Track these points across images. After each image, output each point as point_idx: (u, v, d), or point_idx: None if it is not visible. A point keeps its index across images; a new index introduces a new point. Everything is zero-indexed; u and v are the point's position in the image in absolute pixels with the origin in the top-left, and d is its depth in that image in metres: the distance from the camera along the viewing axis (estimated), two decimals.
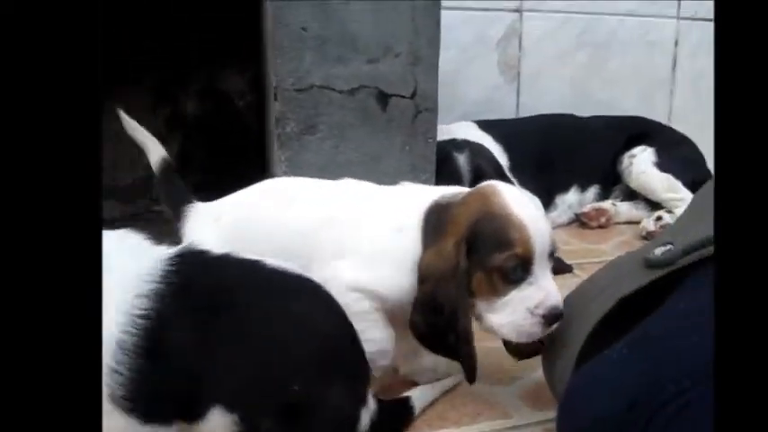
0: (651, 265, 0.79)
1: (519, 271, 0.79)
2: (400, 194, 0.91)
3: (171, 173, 1.07)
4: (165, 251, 0.74)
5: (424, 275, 0.81)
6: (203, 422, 0.67)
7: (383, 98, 1.19)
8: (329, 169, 1.18)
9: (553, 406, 0.81)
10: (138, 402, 0.65)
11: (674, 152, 1.85)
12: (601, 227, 1.80)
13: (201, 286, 0.71)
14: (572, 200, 1.87)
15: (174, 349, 0.66)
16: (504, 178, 1.53)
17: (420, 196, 0.87)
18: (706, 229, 0.76)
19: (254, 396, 0.67)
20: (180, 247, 0.76)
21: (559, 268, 1.41)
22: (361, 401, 0.74)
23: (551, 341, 0.84)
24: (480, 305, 0.82)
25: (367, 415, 0.74)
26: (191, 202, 1.02)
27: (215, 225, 0.97)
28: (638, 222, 1.79)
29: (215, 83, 1.93)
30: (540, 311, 0.79)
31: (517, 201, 0.81)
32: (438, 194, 0.86)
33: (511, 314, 0.80)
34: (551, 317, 0.79)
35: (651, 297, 0.77)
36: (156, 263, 0.71)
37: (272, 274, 0.74)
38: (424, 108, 1.22)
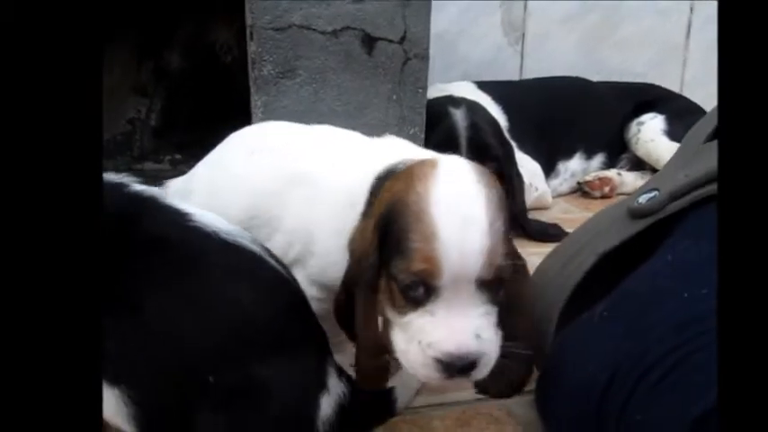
0: (636, 214, 0.71)
1: (420, 291, 0.59)
2: (367, 155, 0.75)
3: None
4: None
5: (349, 251, 0.67)
6: None
7: (369, 41, 1.10)
8: (309, 118, 1.09)
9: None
10: None
11: (686, 121, 1.73)
12: (604, 197, 1.72)
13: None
14: (575, 167, 1.79)
15: None
16: (502, 139, 1.44)
17: (384, 157, 0.71)
18: (693, 172, 0.68)
19: (148, 375, 0.57)
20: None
21: (555, 234, 1.33)
22: (317, 385, 0.65)
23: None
24: (387, 312, 0.64)
25: (330, 401, 0.65)
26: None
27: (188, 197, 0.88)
28: None
29: (202, 35, 1.84)
30: (432, 353, 0.59)
31: (449, 193, 0.60)
32: (400, 157, 0.70)
33: (406, 342, 0.61)
34: (448, 366, 0.59)
35: (636, 249, 0.69)
36: None
37: (197, 231, 0.63)
38: (414, 54, 1.13)
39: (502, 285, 0.61)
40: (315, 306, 0.72)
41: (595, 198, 1.72)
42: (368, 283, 0.63)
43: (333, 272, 0.71)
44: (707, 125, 0.80)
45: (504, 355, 0.61)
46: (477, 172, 0.62)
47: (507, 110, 1.66)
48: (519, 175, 1.43)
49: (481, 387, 0.68)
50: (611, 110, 1.83)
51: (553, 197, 1.69)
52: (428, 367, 0.59)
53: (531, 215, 1.49)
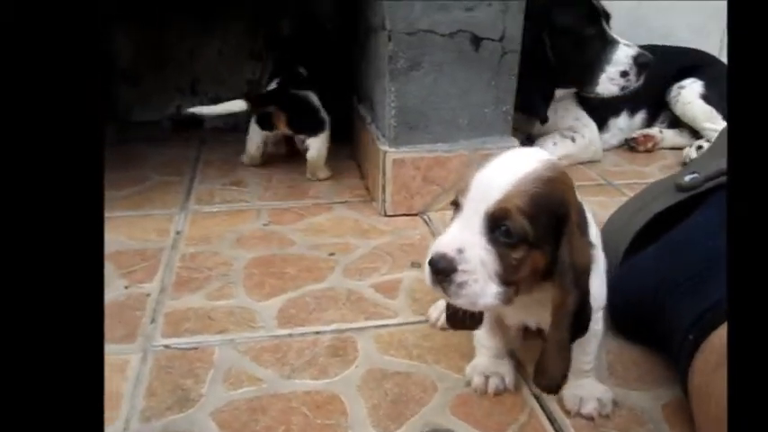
0: (681, 188, 1.05)
1: (455, 211, 0.74)
2: None
3: None
4: None
5: None
6: None
7: (476, 41, 1.42)
8: (429, 99, 1.44)
9: None
10: None
11: (722, 87, 2.02)
12: (647, 151, 2.03)
13: None
14: (622, 124, 2.09)
15: None
16: None
17: None
18: (724, 162, 1.01)
19: None
20: None
21: None
22: None
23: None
24: None
25: None
26: None
27: None
28: (679, 148, 2.02)
29: (308, 6, 2.15)
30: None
31: (502, 160, 0.72)
32: None
33: None
34: (429, 263, 0.71)
35: (678, 213, 1.03)
36: None
37: None
38: (510, 50, 1.45)
39: (509, 235, 0.69)
40: None
41: (640, 152, 2.02)
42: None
43: None
44: None
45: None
46: (549, 163, 0.72)
47: None
48: None
49: (536, 381, 0.79)
50: (654, 72, 2.09)
51: (604, 150, 1.99)
52: (426, 268, 0.71)
53: (586, 167, 1.84)
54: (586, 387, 0.89)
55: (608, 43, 1.76)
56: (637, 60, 1.75)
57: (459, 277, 0.68)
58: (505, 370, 0.94)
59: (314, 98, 1.73)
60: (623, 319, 1.04)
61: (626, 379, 0.97)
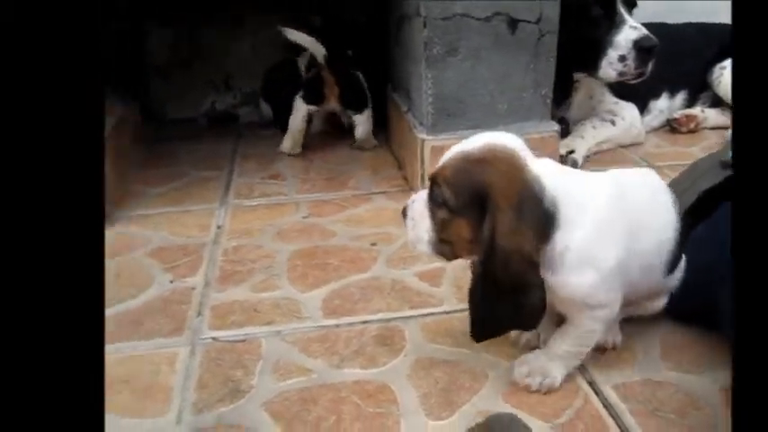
0: (726, 165, 1.02)
1: None
2: None
3: None
4: None
5: None
6: None
7: (513, 24, 1.40)
8: (467, 85, 1.42)
9: None
10: None
11: None
12: (690, 132, 1.98)
13: None
14: (663, 105, 2.04)
15: None
16: None
17: None
18: None
19: None
20: None
21: None
22: None
23: None
24: None
25: None
26: None
27: None
28: (722, 128, 1.96)
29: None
30: None
31: (467, 139, 0.83)
32: None
33: None
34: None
35: (725, 190, 1.00)
36: None
37: None
38: (547, 31, 1.42)
39: (437, 197, 0.81)
40: None
41: (682, 133, 1.97)
42: None
43: None
44: None
45: None
46: (489, 147, 0.80)
47: None
48: None
49: None
50: (695, 53, 2.03)
51: (645, 132, 1.94)
52: None
53: (629, 150, 1.81)
54: (542, 364, 0.90)
55: (614, 24, 1.64)
56: (637, 44, 1.62)
57: (408, 221, 0.87)
58: (542, 328, 0.95)
59: (361, 77, 1.86)
60: (677, 302, 1.01)
61: (681, 362, 0.95)
